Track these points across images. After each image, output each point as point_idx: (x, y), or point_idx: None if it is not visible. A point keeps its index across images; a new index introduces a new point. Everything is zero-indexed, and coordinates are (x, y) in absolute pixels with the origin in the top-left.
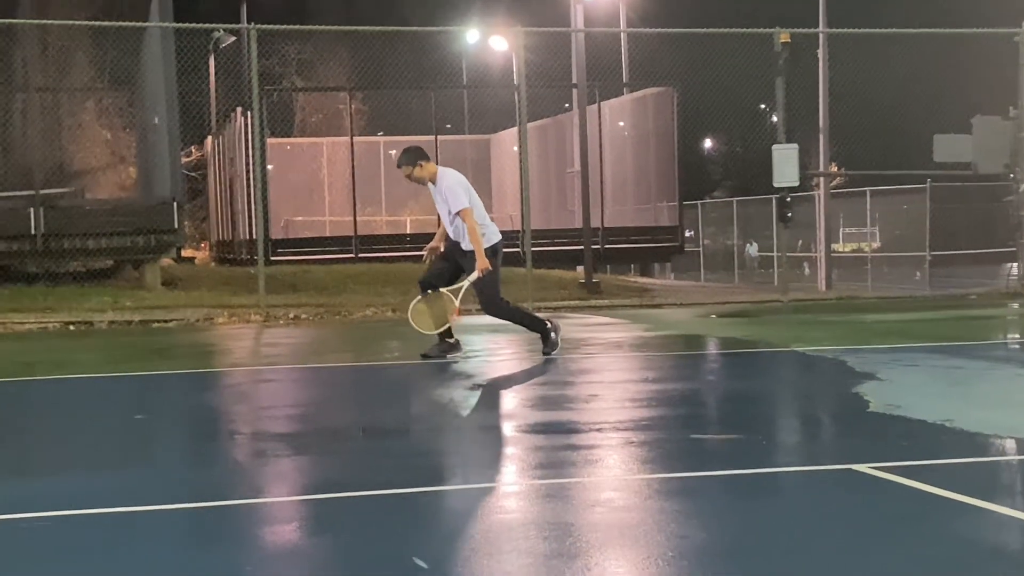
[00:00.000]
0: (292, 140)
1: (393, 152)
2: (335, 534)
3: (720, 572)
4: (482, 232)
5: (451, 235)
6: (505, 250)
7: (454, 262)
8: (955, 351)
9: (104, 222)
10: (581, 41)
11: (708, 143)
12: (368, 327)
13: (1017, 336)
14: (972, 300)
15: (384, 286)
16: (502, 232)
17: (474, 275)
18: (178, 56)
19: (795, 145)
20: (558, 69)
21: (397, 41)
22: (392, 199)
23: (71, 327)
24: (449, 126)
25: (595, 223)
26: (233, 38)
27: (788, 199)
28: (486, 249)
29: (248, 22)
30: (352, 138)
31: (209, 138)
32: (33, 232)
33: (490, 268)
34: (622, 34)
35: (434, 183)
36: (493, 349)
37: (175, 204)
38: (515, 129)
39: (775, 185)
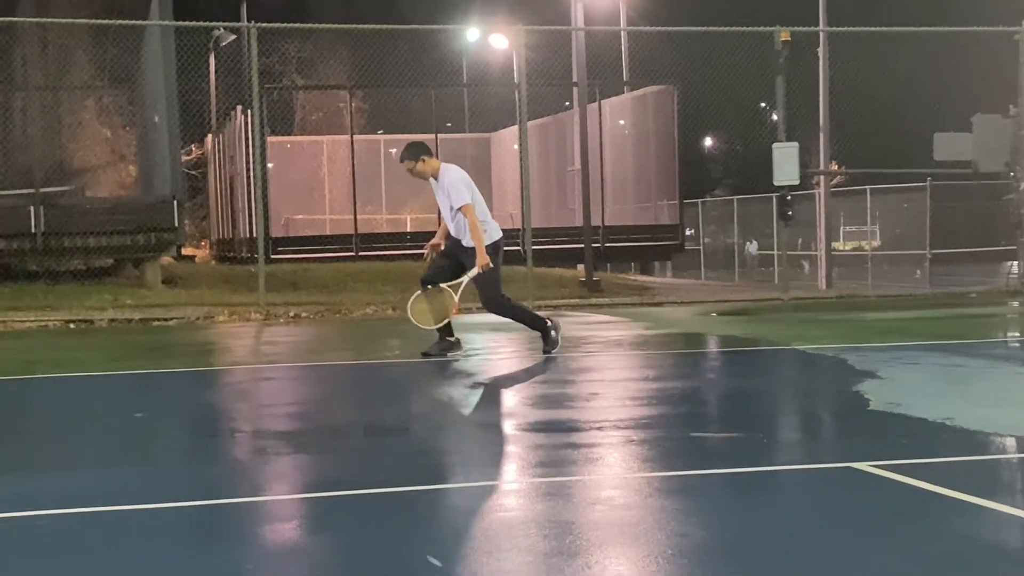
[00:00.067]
0: (292, 138)
1: (394, 150)
2: (335, 532)
3: (720, 570)
4: (483, 229)
5: (452, 232)
6: (506, 248)
7: (455, 259)
8: (955, 349)
9: (104, 220)
10: (581, 39)
11: (708, 141)
12: (368, 325)
13: (1017, 334)
14: (972, 298)
15: (384, 284)
16: (503, 230)
17: (474, 271)
18: (178, 54)
19: (795, 143)
20: (558, 67)
21: (397, 39)
22: (392, 197)
23: (71, 325)
24: (450, 124)
25: (595, 221)
26: (233, 36)
27: (788, 197)
28: (487, 246)
29: (248, 20)
30: (352, 136)
31: (209, 136)
32: (33, 230)
33: (491, 264)
34: (622, 32)
35: (436, 179)
36: (493, 347)
37: (175, 202)
38: (515, 127)
39: (775, 183)
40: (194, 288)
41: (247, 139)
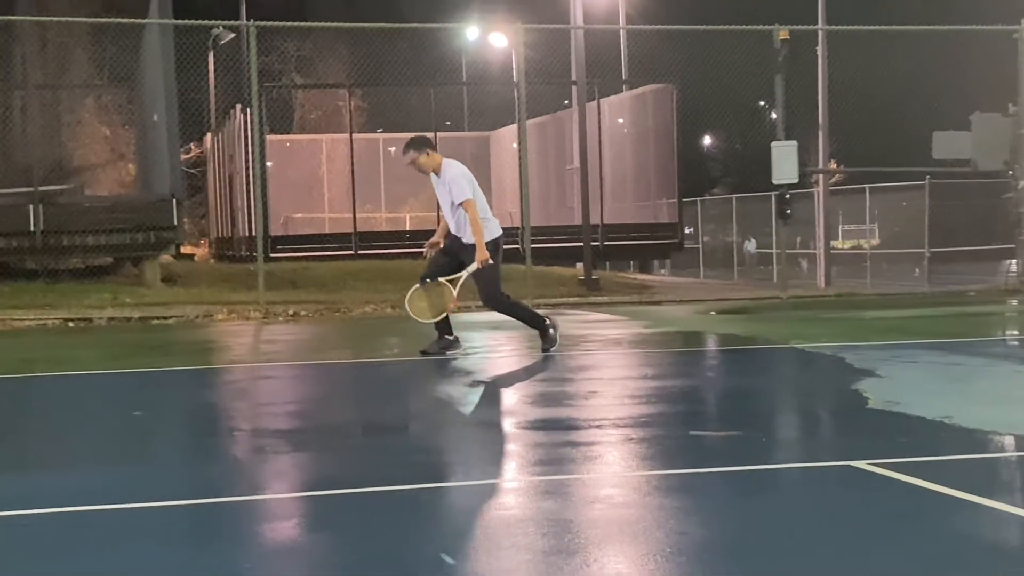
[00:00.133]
0: (291, 137)
1: (393, 149)
2: (334, 531)
3: (719, 568)
4: (484, 226)
5: (452, 229)
6: (505, 247)
7: (454, 256)
8: (954, 348)
9: (103, 219)
10: (580, 38)
11: (707, 140)
12: (367, 324)
13: (1016, 332)
14: (971, 297)
15: (383, 283)
16: (502, 229)
17: (473, 266)
18: (177, 53)
19: (794, 142)
20: (558, 66)
21: (396, 38)
22: (392, 196)
23: (70, 324)
24: (449, 123)
25: (595, 220)
26: (232, 35)
27: (787, 196)
28: (487, 243)
29: (247, 19)
30: (351, 135)
31: (208, 135)
32: (32, 229)
33: (490, 260)
34: (621, 31)
35: (437, 174)
36: (492, 346)
37: (174, 201)
38: (515, 126)
39: (774, 182)
40: (193, 287)
41: (246, 137)
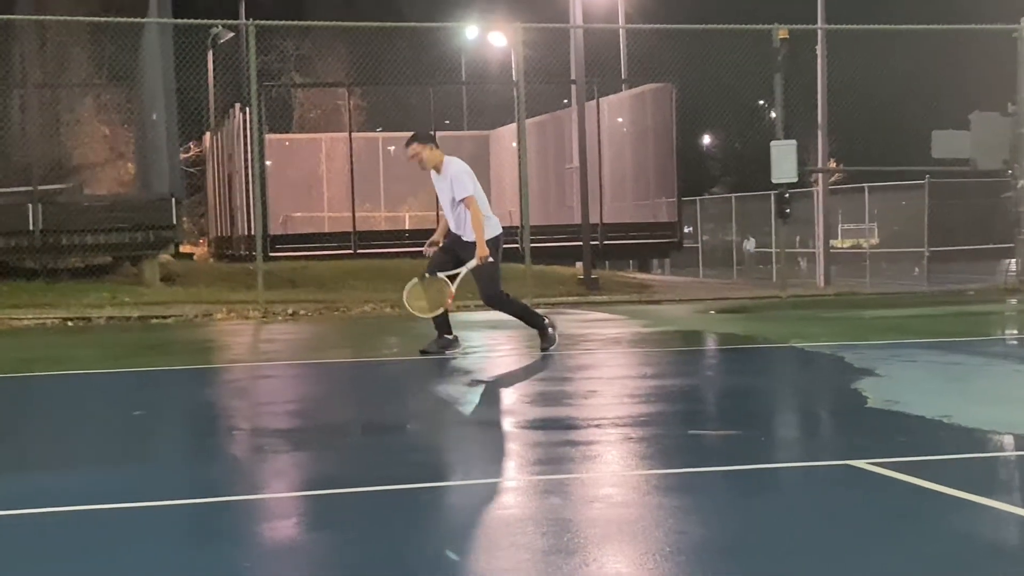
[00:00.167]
0: (291, 136)
1: (392, 148)
2: (333, 530)
3: (718, 568)
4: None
5: (452, 226)
6: (504, 246)
7: (454, 255)
8: (953, 347)
9: (102, 218)
10: (580, 37)
11: (707, 139)
12: (367, 323)
13: (1015, 332)
14: (970, 296)
15: (383, 282)
16: (502, 227)
17: (473, 262)
18: (176, 52)
19: (793, 141)
20: (557, 65)
21: (396, 37)
22: (391, 195)
23: (69, 323)
24: (448, 122)
25: (594, 219)
26: (231, 34)
27: (787, 195)
28: (487, 240)
29: (246, 18)
30: (351, 134)
31: (208, 134)
32: (31, 228)
33: (490, 256)
34: (621, 30)
35: (438, 171)
36: (491, 345)
37: (173, 200)
38: (514, 125)
39: (774, 181)
40: (192, 286)
41: (245, 137)
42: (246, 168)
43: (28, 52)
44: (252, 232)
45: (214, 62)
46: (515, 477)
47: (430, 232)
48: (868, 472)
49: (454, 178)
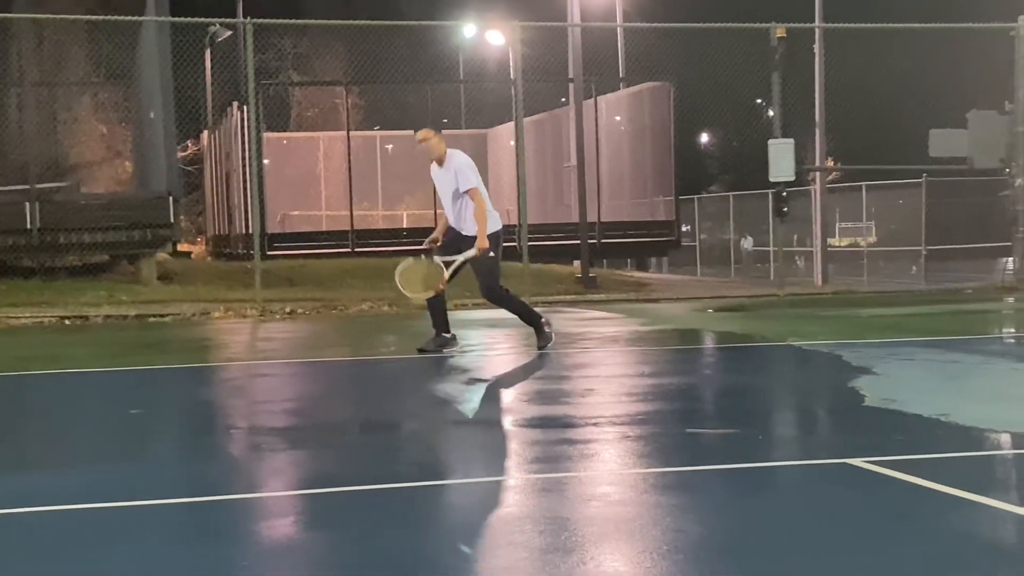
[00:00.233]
0: (288, 134)
1: (390, 147)
2: (331, 529)
3: (716, 566)
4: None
5: (452, 221)
6: (504, 244)
7: (456, 250)
8: (951, 345)
9: (100, 216)
10: (578, 36)
11: (705, 138)
12: (364, 321)
13: (1012, 330)
14: (968, 294)
15: (380, 281)
16: (501, 224)
17: (471, 252)
18: (174, 50)
19: (791, 140)
20: (555, 64)
21: (394, 35)
22: (389, 194)
23: (66, 322)
24: (446, 120)
25: (592, 218)
26: (229, 32)
27: (784, 194)
28: (488, 235)
29: (244, 16)
30: (348, 132)
31: (205, 133)
32: (29, 227)
33: (489, 248)
34: (619, 29)
35: (440, 163)
36: (489, 344)
37: (171, 198)
38: (512, 124)
39: (771, 180)
40: (190, 284)
41: (243, 135)
42: (244, 166)
43: (25, 50)
44: (250, 230)
45: (212, 60)
46: (512, 475)
47: (428, 231)
48: (865, 470)
49: (458, 170)
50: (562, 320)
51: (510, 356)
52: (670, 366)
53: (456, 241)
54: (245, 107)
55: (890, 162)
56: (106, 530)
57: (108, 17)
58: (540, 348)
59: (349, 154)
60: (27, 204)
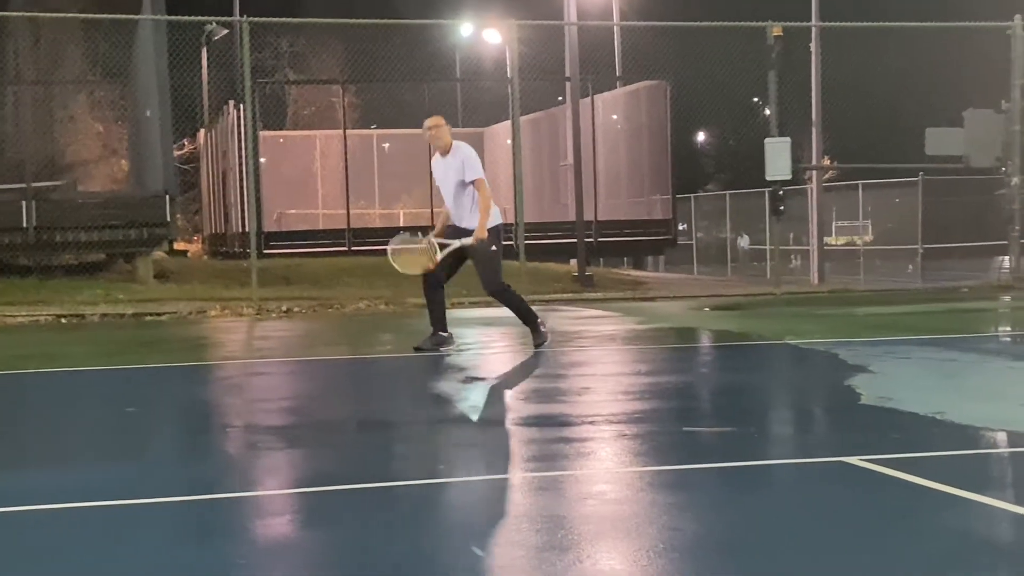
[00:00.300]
0: (285, 133)
1: (387, 145)
2: (327, 528)
3: (712, 564)
4: None
5: (452, 214)
6: (503, 242)
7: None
8: (947, 344)
9: (96, 215)
10: (574, 34)
11: (701, 136)
12: (361, 320)
13: (1009, 329)
14: (964, 293)
15: (377, 279)
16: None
17: (468, 240)
18: (170, 49)
19: (788, 139)
20: (551, 62)
21: (390, 34)
22: (385, 192)
23: (63, 320)
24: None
25: (588, 216)
26: (226, 31)
27: (781, 192)
28: (488, 229)
29: (240, 15)
30: (345, 131)
31: (202, 131)
32: (25, 225)
33: (487, 239)
34: (615, 27)
35: (443, 155)
36: (486, 342)
37: (167, 197)
38: (508, 122)
39: (768, 178)
40: (186, 283)
41: (240, 134)
42: (240, 165)
43: (22, 48)
44: (246, 229)
45: (208, 59)
46: (509, 474)
47: (425, 229)
48: (862, 469)
49: (466, 160)
50: (559, 318)
51: (506, 354)
52: (666, 364)
53: (456, 236)
54: (241, 105)
55: (886, 161)
56: (103, 528)
57: (105, 15)
58: (536, 346)
59: (346, 153)
60: (23, 202)
